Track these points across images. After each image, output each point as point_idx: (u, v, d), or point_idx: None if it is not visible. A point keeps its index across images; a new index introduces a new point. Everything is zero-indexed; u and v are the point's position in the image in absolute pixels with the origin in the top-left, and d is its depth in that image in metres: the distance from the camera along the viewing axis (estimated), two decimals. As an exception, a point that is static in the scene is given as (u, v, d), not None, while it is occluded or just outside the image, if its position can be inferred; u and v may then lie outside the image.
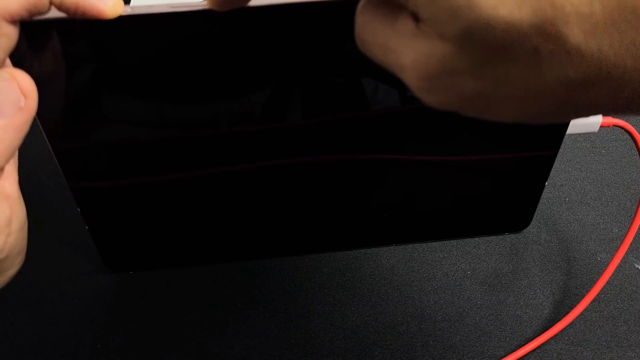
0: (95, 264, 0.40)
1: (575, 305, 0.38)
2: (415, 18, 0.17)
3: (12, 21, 0.21)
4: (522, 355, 0.36)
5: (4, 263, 0.23)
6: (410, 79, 0.18)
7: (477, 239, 0.42)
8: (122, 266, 0.40)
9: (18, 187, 0.25)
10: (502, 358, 0.36)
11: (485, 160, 0.37)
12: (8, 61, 0.23)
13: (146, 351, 0.37)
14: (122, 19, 0.24)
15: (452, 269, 0.41)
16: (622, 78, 0.15)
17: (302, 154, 0.34)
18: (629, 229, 0.37)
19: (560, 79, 0.16)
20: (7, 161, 0.22)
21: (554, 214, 0.44)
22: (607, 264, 0.37)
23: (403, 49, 0.18)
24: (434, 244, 0.42)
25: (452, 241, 0.42)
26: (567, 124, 0.35)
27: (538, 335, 0.37)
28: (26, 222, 0.25)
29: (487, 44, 0.16)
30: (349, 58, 0.29)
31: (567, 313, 0.38)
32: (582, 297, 0.38)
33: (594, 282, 0.37)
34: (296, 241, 0.41)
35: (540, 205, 0.41)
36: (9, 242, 0.23)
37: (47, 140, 0.31)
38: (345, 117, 0.32)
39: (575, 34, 0.15)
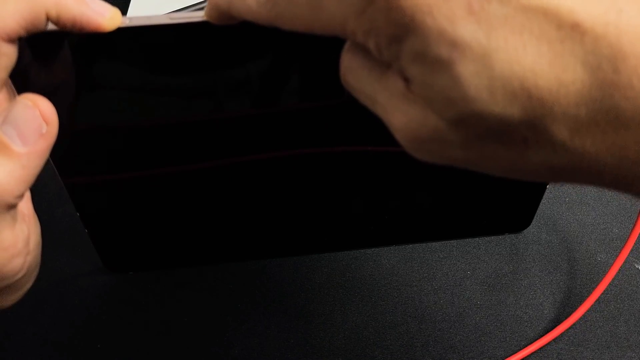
0: (95, 265, 0.40)
1: (575, 306, 0.38)
2: (405, 78, 0.17)
3: (10, 40, 0.21)
4: (523, 357, 0.36)
5: (23, 280, 0.24)
6: (399, 137, 0.19)
7: (477, 239, 0.42)
8: (122, 267, 0.40)
9: (31, 204, 0.25)
10: (504, 359, 0.36)
11: None
12: (9, 79, 0.23)
13: (146, 351, 0.37)
14: (121, 31, 0.24)
15: (452, 269, 0.41)
16: (602, 170, 0.16)
17: (303, 158, 0.34)
18: (631, 231, 0.36)
19: (544, 164, 0.17)
20: (28, 188, 0.21)
21: (554, 214, 0.44)
22: (608, 264, 0.37)
23: (393, 110, 0.18)
24: (434, 244, 0.42)
25: (452, 241, 0.42)
26: None
27: (538, 336, 0.37)
28: (40, 237, 0.25)
29: (479, 128, 0.16)
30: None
31: (567, 314, 0.38)
32: (583, 297, 0.38)
33: (594, 282, 0.37)
34: (296, 241, 0.40)
35: (540, 206, 0.41)
36: (28, 260, 0.23)
37: None
38: (343, 126, 0.32)
39: (562, 131, 0.16)
